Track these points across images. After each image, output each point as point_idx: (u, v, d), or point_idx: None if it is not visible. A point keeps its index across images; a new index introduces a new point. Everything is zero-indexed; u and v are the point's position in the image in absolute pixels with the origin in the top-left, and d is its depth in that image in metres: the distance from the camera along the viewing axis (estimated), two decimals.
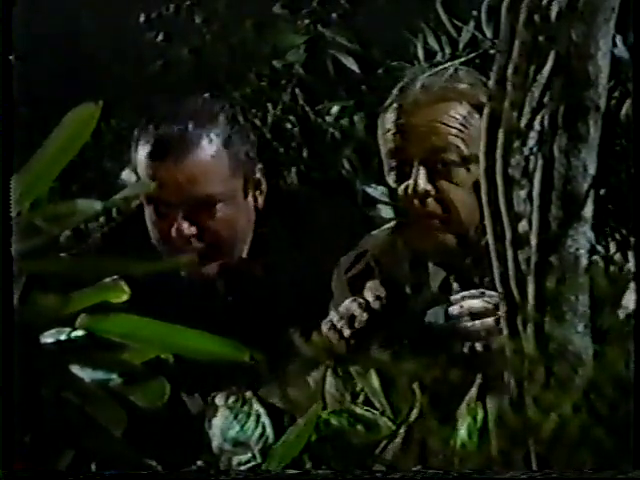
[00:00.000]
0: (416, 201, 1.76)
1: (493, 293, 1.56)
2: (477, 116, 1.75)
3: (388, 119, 1.81)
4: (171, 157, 1.93)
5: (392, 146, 1.80)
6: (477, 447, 1.43)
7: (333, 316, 1.67)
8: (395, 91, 1.84)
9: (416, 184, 1.76)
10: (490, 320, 1.56)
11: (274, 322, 1.83)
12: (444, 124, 1.76)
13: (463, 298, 1.61)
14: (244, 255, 2.04)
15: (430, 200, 1.76)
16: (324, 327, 1.67)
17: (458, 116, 1.76)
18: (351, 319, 1.65)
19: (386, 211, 1.92)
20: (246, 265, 2.05)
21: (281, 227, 2.08)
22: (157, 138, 1.94)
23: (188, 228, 1.96)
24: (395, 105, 1.81)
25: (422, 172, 1.76)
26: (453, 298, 1.62)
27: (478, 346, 1.56)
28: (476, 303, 1.59)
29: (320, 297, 1.89)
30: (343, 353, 1.64)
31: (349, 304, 1.67)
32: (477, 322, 1.57)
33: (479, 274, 1.71)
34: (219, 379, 1.58)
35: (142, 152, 1.95)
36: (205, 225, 1.98)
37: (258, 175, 2.05)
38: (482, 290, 1.60)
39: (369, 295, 1.67)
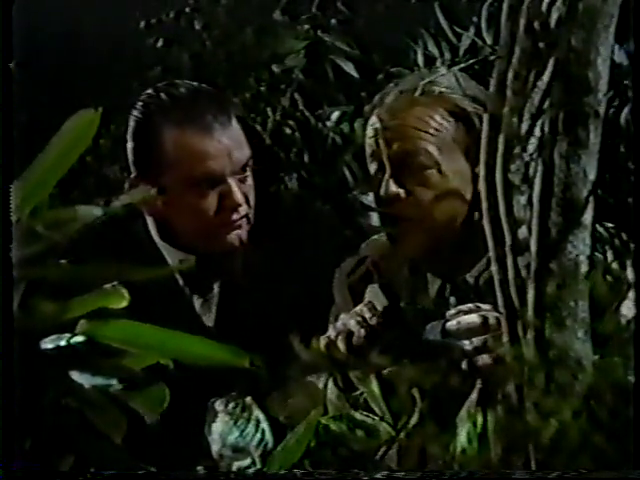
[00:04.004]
0: (390, 204, 1.77)
1: (488, 306, 1.56)
2: (452, 120, 1.76)
3: (370, 122, 1.83)
4: None
5: (369, 150, 1.82)
6: (477, 453, 1.43)
7: (331, 332, 1.67)
8: (377, 96, 1.84)
9: (387, 187, 1.77)
10: (487, 336, 1.56)
11: (274, 328, 1.83)
12: (415, 128, 1.76)
13: (458, 313, 1.61)
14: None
15: (402, 203, 1.76)
16: (322, 343, 1.66)
17: (431, 120, 1.76)
18: (349, 336, 1.64)
19: (377, 218, 1.92)
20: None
21: (277, 234, 2.09)
22: None
23: None
24: (377, 109, 1.82)
25: (392, 175, 1.77)
26: (449, 314, 1.61)
27: (477, 361, 1.55)
28: (472, 318, 1.58)
29: (320, 303, 1.89)
30: (343, 360, 1.63)
31: (347, 320, 1.67)
32: (474, 339, 1.56)
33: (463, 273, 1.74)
34: (219, 385, 1.57)
35: None
36: None
37: None
38: (477, 304, 1.60)
39: (366, 310, 1.67)
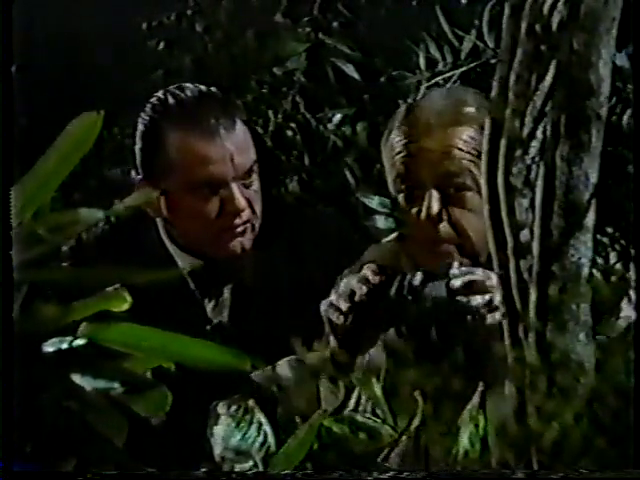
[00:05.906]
0: (428, 226, 1.75)
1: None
2: None
3: (397, 141, 1.79)
4: None
5: (402, 169, 1.77)
6: (479, 455, 1.43)
7: (332, 295, 1.65)
8: (401, 112, 1.82)
9: (429, 209, 1.74)
10: (490, 295, 1.55)
11: (275, 331, 1.83)
12: (458, 148, 1.74)
13: (463, 273, 1.59)
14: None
15: (442, 225, 1.75)
16: (322, 307, 1.65)
17: (471, 140, 1.74)
18: (351, 294, 1.63)
19: (382, 221, 1.91)
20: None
21: (280, 236, 2.08)
22: None
23: None
24: (404, 127, 1.79)
25: (435, 197, 1.74)
26: (452, 273, 1.60)
27: (486, 317, 1.54)
28: (477, 277, 1.57)
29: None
30: (344, 362, 1.63)
31: (348, 280, 1.65)
32: (478, 297, 1.55)
33: None
34: (221, 388, 1.57)
35: None
36: None
37: None
38: (481, 269, 1.59)
39: (368, 271, 1.64)
